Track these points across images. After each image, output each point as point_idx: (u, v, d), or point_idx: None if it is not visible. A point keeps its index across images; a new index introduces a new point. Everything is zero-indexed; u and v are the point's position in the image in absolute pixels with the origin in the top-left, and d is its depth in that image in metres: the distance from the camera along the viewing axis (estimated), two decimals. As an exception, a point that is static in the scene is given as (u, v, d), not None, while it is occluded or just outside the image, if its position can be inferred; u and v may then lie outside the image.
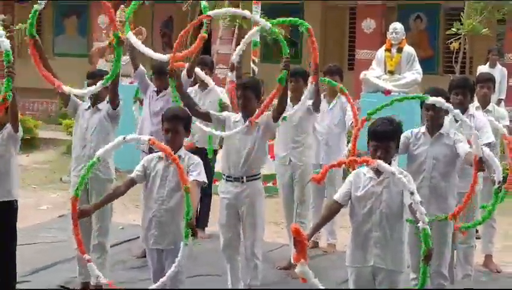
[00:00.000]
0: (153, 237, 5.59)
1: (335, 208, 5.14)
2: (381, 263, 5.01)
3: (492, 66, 12.71)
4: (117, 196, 5.65)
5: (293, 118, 7.36)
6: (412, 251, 5.77)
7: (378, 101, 10.96)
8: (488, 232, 7.86)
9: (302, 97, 7.19)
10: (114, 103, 6.56)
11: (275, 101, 6.43)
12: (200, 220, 8.68)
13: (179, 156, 5.45)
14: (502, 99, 12.49)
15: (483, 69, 12.62)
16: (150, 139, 5.48)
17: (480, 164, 5.71)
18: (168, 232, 5.53)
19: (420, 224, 4.80)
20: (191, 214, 5.19)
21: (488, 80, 7.72)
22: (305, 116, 7.44)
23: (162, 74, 7.76)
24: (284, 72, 6.25)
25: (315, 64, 6.98)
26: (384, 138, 5.06)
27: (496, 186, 6.24)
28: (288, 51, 6.46)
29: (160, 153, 5.58)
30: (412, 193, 4.81)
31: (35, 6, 6.11)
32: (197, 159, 5.62)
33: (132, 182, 5.58)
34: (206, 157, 8.35)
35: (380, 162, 4.86)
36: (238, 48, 7.04)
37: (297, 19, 6.80)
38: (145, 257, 6.22)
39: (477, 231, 7.57)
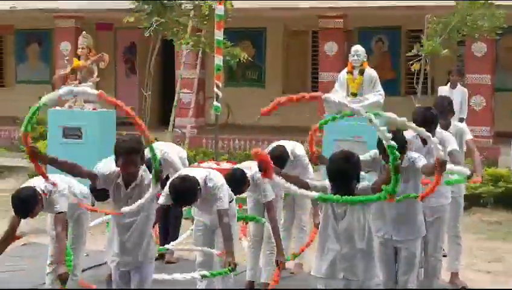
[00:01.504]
0: (121, 258, 5.68)
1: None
2: (352, 276, 5.14)
3: (453, 86, 12.91)
4: (75, 172, 5.65)
5: None
6: (384, 267, 5.91)
7: (341, 122, 11.12)
8: (454, 250, 7.96)
9: None
10: None
11: None
12: (169, 241, 8.71)
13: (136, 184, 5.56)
14: (462, 118, 12.65)
15: (444, 89, 12.81)
16: (98, 93, 5.48)
17: (442, 165, 5.78)
18: (137, 253, 5.63)
19: (384, 142, 4.93)
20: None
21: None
22: None
23: None
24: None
25: None
26: (343, 179, 5.13)
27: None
28: None
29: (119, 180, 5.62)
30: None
31: None
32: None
33: (94, 176, 5.61)
34: None
35: None
36: None
37: None
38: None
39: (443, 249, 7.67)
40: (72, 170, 5.67)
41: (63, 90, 5.69)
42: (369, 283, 5.21)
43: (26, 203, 6.04)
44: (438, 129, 6.85)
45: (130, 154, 5.43)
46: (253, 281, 7.56)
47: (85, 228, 6.83)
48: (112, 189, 5.64)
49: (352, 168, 5.16)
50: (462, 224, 8.07)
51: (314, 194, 5.17)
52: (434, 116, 6.63)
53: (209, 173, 6.31)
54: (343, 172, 5.10)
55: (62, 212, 6.25)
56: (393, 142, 4.89)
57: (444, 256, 8.09)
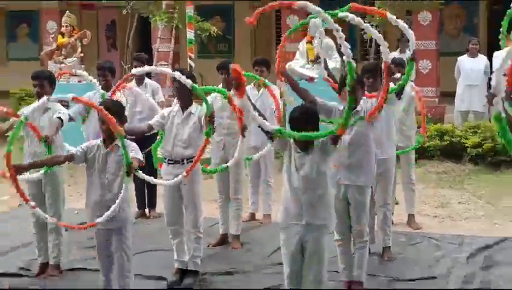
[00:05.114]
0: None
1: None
2: (313, 220, 5.08)
3: (402, 52, 12.91)
4: (55, 163, 5.71)
5: (226, 110, 7.38)
6: (337, 217, 5.83)
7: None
8: (409, 195, 8.15)
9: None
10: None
11: None
12: (149, 202, 8.80)
13: (116, 145, 5.41)
14: (411, 81, 12.66)
15: (394, 55, 12.81)
16: (73, 97, 5.37)
17: (389, 69, 6.00)
18: (114, 215, 5.42)
19: (345, 58, 5.00)
20: (129, 158, 5.18)
21: (399, 65, 8.02)
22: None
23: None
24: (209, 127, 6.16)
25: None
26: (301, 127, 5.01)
27: (409, 54, 6.48)
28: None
29: (99, 141, 5.52)
30: (337, 30, 5.04)
31: None
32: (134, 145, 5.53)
33: (71, 157, 5.48)
34: None
35: None
36: None
37: None
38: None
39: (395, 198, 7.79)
40: (52, 162, 5.70)
41: (41, 101, 5.57)
42: (324, 233, 5.15)
43: None
44: None
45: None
46: (226, 233, 7.59)
47: (62, 185, 6.68)
48: (91, 157, 5.48)
49: (312, 123, 5.04)
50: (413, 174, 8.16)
51: (274, 127, 5.07)
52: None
53: None
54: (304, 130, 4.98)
55: None
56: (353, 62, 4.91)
57: (396, 203, 8.19)
